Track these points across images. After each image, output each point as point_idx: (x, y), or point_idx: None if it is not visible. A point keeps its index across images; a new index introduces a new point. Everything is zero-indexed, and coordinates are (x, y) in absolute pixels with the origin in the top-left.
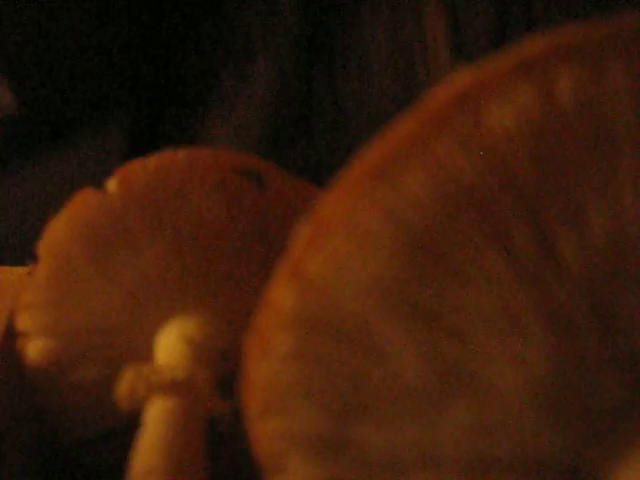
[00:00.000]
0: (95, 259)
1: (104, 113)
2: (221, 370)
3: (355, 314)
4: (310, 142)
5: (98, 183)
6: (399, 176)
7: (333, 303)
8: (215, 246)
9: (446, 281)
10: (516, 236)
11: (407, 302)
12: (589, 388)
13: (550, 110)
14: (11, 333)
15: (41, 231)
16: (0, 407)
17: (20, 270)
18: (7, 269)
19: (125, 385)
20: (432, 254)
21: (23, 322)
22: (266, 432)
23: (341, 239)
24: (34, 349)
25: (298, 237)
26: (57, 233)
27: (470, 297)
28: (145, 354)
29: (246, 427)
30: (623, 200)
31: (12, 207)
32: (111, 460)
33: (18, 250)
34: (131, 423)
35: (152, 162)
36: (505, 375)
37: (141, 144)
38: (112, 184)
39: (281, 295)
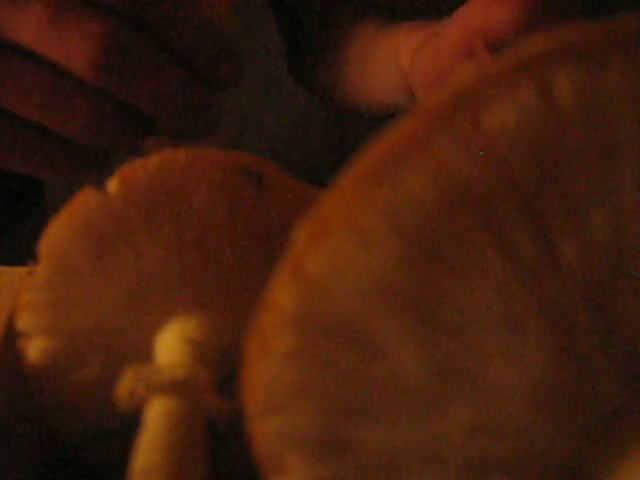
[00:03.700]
0: (95, 259)
1: None
2: (221, 370)
3: (355, 314)
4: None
5: (98, 183)
6: (399, 176)
7: (333, 303)
8: (215, 246)
9: (446, 280)
10: (516, 236)
11: (407, 302)
12: (589, 388)
13: (550, 110)
14: (11, 333)
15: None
16: (0, 407)
17: (20, 270)
18: (7, 269)
19: (125, 385)
20: (432, 254)
21: (23, 322)
22: (266, 432)
23: (341, 239)
24: (34, 349)
25: (298, 237)
26: (57, 233)
27: (470, 297)
28: (145, 354)
29: (246, 427)
30: (623, 200)
31: None
32: (111, 460)
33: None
34: (131, 423)
35: (152, 162)
36: (504, 375)
37: None
38: (112, 184)
39: (281, 295)
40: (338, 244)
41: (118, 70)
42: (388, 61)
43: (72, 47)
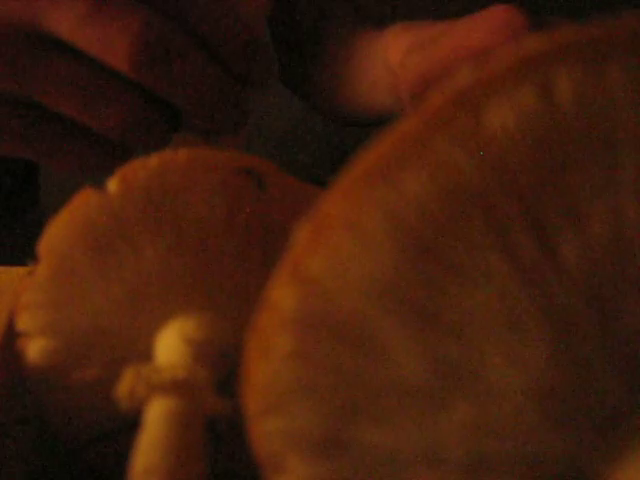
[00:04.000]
0: (95, 259)
1: None
2: (221, 370)
3: (355, 314)
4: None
5: (98, 183)
6: (399, 176)
7: (333, 303)
8: (215, 246)
9: (446, 280)
10: (516, 236)
11: (407, 301)
12: (589, 388)
13: (550, 110)
14: (11, 333)
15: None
16: (0, 407)
17: (20, 270)
18: (7, 269)
19: (125, 385)
20: (432, 254)
21: (23, 322)
22: (266, 432)
23: (341, 239)
24: (34, 349)
25: (298, 237)
26: (58, 233)
27: (469, 296)
28: (145, 354)
29: (246, 427)
30: (622, 200)
31: None
32: (111, 460)
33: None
34: (131, 423)
35: (152, 162)
36: (505, 375)
37: None
38: (112, 184)
39: (281, 295)
40: (338, 244)
41: (156, 66)
42: (378, 60)
43: (111, 41)
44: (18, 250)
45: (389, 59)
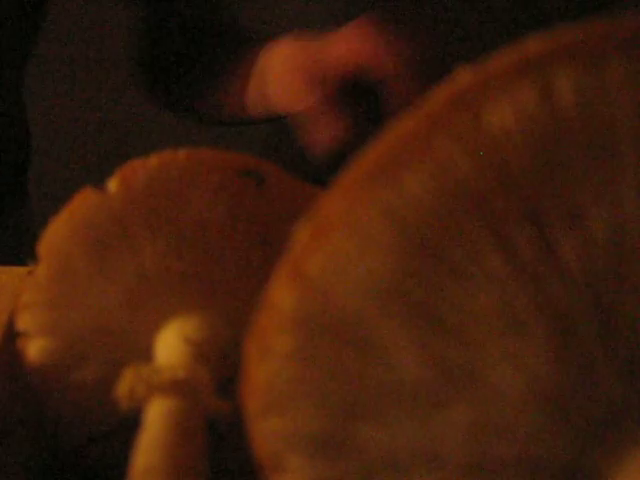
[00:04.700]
0: (95, 259)
1: None
2: (221, 370)
3: (354, 314)
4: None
5: (98, 183)
6: (399, 176)
7: (333, 303)
8: (215, 246)
9: (445, 280)
10: (516, 235)
11: (407, 302)
12: (589, 388)
13: (550, 110)
14: (11, 333)
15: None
16: (0, 407)
17: (20, 270)
18: (7, 269)
19: (125, 385)
20: (431, 253)
21: (23, 322)
22: (266, 432)
23: (341, 239)
24: (34, 349)
25: (298, 237)
26: (57, 233)
27: (470, 296)
28: (145, 354)
29: (246, 427)
30: (623, 199)
31: None
32: (111, 460)
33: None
34: (131, 423)
35: (152, 162)
36: (505, 375)
37: None
38: (112, 184)
39: (281, 295)
40: (338, 244)
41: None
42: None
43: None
44: (5, 250)
45: (269, 65)
